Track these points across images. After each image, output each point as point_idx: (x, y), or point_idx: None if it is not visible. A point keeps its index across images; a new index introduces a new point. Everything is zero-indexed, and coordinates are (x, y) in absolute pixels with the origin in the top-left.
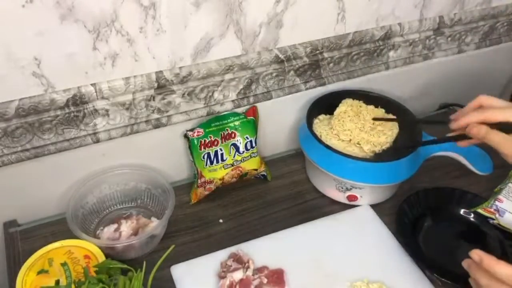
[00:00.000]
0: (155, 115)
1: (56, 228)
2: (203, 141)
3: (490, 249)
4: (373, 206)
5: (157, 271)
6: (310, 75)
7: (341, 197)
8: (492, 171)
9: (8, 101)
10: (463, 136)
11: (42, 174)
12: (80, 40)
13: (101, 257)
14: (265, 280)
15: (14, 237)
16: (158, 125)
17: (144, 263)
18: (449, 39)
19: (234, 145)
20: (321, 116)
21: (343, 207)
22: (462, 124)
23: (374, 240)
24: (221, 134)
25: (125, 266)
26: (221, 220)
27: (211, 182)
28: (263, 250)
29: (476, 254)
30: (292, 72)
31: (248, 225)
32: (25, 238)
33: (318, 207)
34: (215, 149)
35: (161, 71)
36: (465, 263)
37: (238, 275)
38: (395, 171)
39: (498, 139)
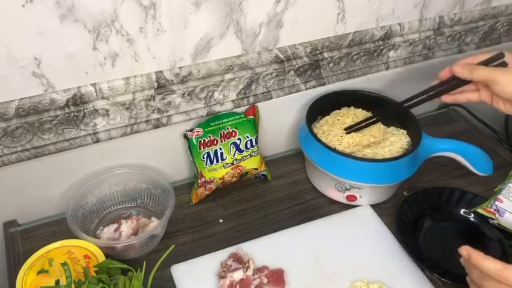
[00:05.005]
0: (155, 115)
1: (56, 228)
2: (202, 140)
3: (490, 249)
4: (373, 206)
5: (157, 271)
6: (310, 75)
7: (340, 197)
8: (493, 172)
9: (8, 101)
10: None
11: (42, 174)
12: (80, 40)
13: (101, 257)
14: (265, 280)
15: (14, 237)
16: (158, 125)
17: (144, 263)
18: (449, 39)
19: (234, 143)
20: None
21: (343, 207)
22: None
23: (374, 240)
24: (220, 134)
25: (125, 266)
26: (221, 220)
27: (211, 181)
28: (263, 250)
29: (464, 250)
30: (292, 72)
31: (248, 225)
32: (25, 238)
33: (318, 207)
34: (215, 149)
35: (161, 71)
36: (462, 259)
37: (238, 275)
38: (394, 171)
39: (485, 73)
